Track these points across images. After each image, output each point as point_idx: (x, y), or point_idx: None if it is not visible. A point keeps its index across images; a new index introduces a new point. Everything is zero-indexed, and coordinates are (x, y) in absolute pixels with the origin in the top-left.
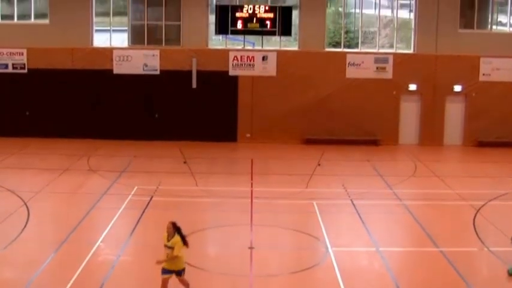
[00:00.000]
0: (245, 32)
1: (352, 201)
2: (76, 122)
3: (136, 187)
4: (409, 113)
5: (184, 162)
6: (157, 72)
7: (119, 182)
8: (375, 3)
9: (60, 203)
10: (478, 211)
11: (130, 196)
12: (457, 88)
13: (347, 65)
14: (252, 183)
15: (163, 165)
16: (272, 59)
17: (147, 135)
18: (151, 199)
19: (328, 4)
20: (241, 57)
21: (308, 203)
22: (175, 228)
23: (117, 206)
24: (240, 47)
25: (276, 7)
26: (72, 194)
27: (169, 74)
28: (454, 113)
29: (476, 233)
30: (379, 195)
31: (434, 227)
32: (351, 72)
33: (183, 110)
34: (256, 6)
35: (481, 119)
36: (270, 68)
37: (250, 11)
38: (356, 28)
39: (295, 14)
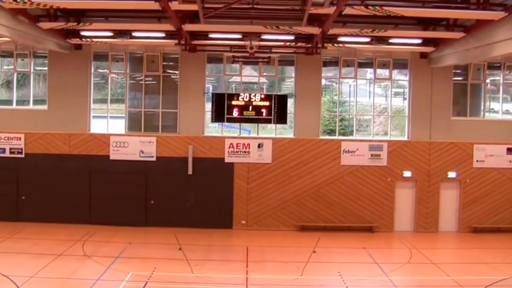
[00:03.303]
0: (241, 119)
1: None
2: (72, 208)
3: (130, 273)
4: (404, 200)
5: (180, 249)
6: (154, 159)
7: (113, 268)
8: (369, 91)
9: None
10: None
11: (124, 282)
12: (452, 175)
13: (342, 152)
14: (247, 271)
15: (158, 252)
16: (268, 146)
17: (142, 221)
18: (145, 285)
19: (323, 93)
20: (237, 144)
21: None
22: None
23: None
24: (235, 135)
25: (271, 95)
26: (66, 280)
27: (165, 161)
28: (449, 200)
29: None
30: (375, 283)
31: None
32: (345, 160)
33: (179, 197)
34: (252, 94)
35: (475, 205)
36: (266, 156)
37: (246, 99)
38: (351, 116)
39: (290, 102)
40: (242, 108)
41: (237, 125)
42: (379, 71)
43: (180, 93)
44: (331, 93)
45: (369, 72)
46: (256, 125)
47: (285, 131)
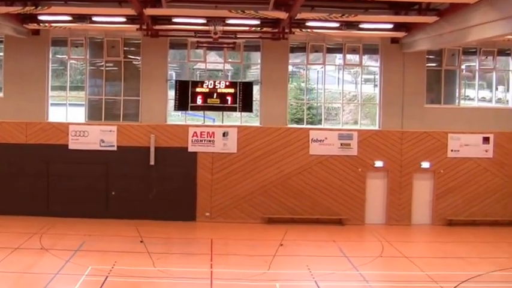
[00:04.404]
0: (205, 107)
1: (316, 283)
2: (28, 199)
3: (90, 267)
4: (376, 191)
5: (141, 242)
6: (115, 148)
7: (72, 261)
8: (338, 78)
9: (10, 284)
10: None
11: (84, 276)
12: (425, 165)
13: (310, 141)
14: (211, 264)
15: (118, 245)
16: (233, 135)
17: (102, 213)
18: (106, 280)
19: (290, 79)
20: (200, 133)
21: (271, 285)
22: None
23: (70, 286)
24: (200, 123)
25: (236, 82)
26: (23, 274)
27: (126, 150)
28: (422, 191)
29: None
30: (344, 277)
31: None
32: (314, 149)
33: (140, 188)
34: (217, 81)
35: (450, 196)
36: (231, 145)
37: (211, 86)
38: (319, 104)
39: (256, 89)
40: (206, 96)
41: (201, 113)
42: (348, 56)
43: (142, 80)
44: (298, 80)
45: (338, 58)
46: (220, 113)
47: (250, 120)
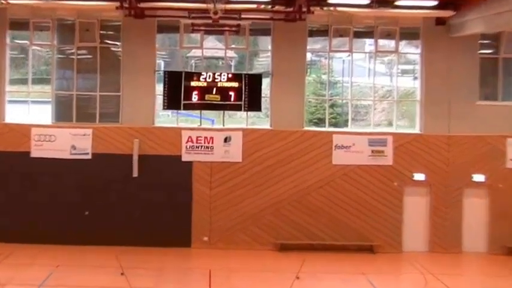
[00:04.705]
0: (202, 106)
1: None
2: None
3: None
4: (416, 211)
5: (122, 274)
6: (89, 157)
7: None
8: (369, 69)
9: None
10: None
11: None
12: (478, 178)
13: (333, 148)
14: None
15: (94, 278)
16: (236, 140)
17: (74, 238)
18: None
19: (308, 71)
20: (197, 138)
21: None
22: None
23: None
24: (195, 125)
25: (241, 75)
26: None
27: (104, 159)
28: (475, 211)
29: None
30: None
31: None
32: (338, 158)
33: (122, 206)
34: (217, 73)
35: (510, 217)
36: (234, 152)
37: (209, 79)
38: (344, 101)
39: (266, 83)
40: (203, 91)
41: (197, 113)
42: (381, 42)
43: (124, 72)
44: (318, 71)
45: (368, 44)
46: (221, 113)
47: (259, 121)
